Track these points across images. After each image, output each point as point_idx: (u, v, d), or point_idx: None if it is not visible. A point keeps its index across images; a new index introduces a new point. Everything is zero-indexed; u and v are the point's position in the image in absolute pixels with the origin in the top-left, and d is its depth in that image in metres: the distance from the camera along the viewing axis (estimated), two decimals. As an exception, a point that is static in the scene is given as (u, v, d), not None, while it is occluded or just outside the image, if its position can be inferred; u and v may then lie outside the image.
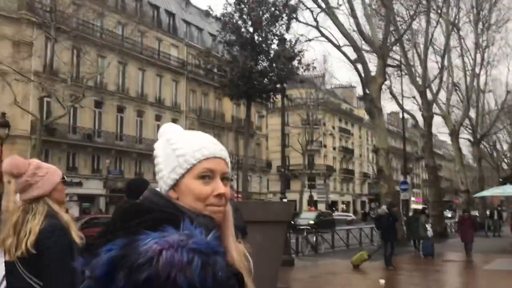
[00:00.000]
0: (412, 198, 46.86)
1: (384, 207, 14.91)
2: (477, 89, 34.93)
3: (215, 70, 24.19)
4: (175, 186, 1.18)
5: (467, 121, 36.04)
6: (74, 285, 2.18)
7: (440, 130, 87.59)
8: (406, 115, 31.21)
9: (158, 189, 1.22)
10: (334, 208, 56.43)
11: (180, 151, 1.18)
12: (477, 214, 28.98)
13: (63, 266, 2.18)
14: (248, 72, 20.09)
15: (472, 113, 36.80)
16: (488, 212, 34.77)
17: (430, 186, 28.30)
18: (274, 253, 7.11)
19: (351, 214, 52.63)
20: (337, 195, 61.58)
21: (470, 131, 37.64)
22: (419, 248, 16.76)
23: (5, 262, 2.29)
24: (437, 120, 42.69)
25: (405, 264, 14.39)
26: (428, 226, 15.96)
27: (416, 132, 52.89)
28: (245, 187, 24.18)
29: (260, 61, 21.59)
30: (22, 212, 2.31)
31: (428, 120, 27.41)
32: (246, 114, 23.56)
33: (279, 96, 23.68)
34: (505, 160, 49.83)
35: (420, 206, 27.07)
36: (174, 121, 37.29)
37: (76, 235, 2.32)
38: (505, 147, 49.34)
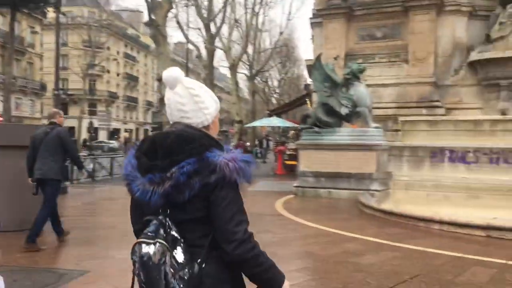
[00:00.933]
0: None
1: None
2: (255, 28, 37.47)
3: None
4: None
5: (245, 57, 38.69)
6: None
7: (222, 63, 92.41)
8: (190, 46, 31.77)
9: (193, 120, 1.78)
10: (116, 136, 55.28)
11: (216, 99, 1.88)
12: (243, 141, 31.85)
13: None
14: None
15: (250, 50, 39.65)
16: (257, 141, 38.86)
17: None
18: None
19: (113, 142, 48.77)
20: (120, 123, 60.28)
21: (247, 66, 40.63)
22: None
23: None
24: (219, 54, 44.63)
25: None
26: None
27: (199, 64, 54.47)
28: (7, 109, 21.54)
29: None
30: None
31: (211, 53, 28.48)
32: (10, 24, 20.52)
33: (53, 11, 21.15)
34: (274, 95, 55.75)
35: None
36: None
37: None
38: (275, 83, 55.10)
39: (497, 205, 10.65)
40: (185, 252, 1.64)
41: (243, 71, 44.47)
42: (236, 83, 34.81)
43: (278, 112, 31.25)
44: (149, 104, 71.18)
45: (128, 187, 1.73)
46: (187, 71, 30.40)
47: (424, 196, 12.62)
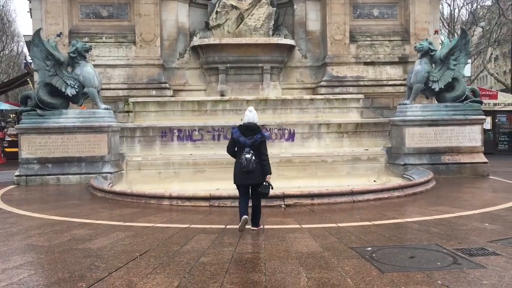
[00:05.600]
0: None
1: None
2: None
3: None
4: None
5: None
6: None
7: None
8: None
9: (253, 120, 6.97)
10: None
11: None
12: None
13: None
14: None
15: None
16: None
17: None
18: None
19: None
20: None
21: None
22: None
23: None
24: None
25: None
26: None
27: None
28: None
29: None
30: None
31: None
32: None
33: None
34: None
35: None
36: None
37: None
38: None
39: (219, 177, 11.87)
40: (255, 157, 6.46)
41: None
42: None
43: (-6, 93, 27.33)
44: None
45: (237, 139, 6.59)
46: None
47: (157, 175, 13.10)
